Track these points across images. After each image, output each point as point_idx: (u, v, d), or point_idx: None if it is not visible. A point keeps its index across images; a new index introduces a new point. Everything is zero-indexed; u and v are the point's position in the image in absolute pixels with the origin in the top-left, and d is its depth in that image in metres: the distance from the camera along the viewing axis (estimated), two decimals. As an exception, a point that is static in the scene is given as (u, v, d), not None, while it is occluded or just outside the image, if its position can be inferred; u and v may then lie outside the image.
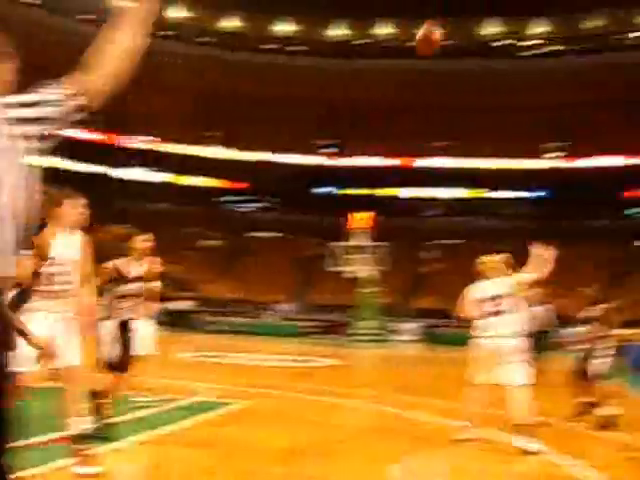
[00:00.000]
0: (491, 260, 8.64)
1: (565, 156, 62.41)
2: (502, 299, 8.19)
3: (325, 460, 7.25)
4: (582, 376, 10.40)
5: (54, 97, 2.73)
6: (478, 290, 8.47)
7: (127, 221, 46.56)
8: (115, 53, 2.78)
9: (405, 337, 42.46)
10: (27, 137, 2.66)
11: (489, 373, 8.14)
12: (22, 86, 2.84)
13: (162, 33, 58.15)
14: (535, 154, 61.58)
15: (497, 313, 8.19)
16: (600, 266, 53.49)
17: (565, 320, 13.79)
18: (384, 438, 8.74)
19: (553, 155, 63.03)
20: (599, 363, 10.14)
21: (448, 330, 42.46)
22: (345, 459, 7.46)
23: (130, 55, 2.79)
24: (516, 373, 8.10)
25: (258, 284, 50.48)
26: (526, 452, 7.64)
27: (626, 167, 58.96)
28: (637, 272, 51.14)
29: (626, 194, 60.71)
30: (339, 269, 42.53)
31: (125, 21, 2.80)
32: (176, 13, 61.88)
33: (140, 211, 62.63)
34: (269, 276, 53.95)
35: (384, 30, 64.64)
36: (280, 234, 62.17)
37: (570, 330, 11.68)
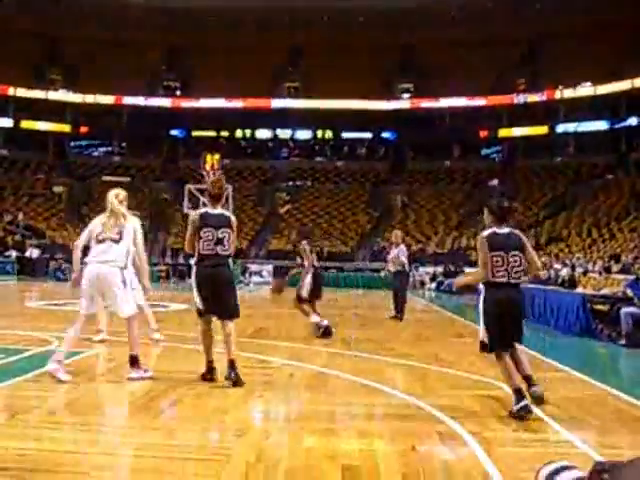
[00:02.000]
0: None
1: (413, 96, 63.40)
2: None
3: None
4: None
5: None
6: None
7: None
8: None
9: (259, 278, 42.63)
10: None
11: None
12: None
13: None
14: (384, 95, 62.19)
15: None
16: (455, 206, 55.13)
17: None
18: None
19: (402, 96, 63.95)
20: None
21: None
22: (195, 406, 7.37)
23: None
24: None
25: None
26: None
27: (479, 107, 60.41)
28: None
29: (482, 134, 62.22)
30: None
31: None
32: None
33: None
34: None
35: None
36: (128, 178, 61.07)
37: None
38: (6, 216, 53.06)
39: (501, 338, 7.41)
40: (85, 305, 8.50)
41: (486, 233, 7.48)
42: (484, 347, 7.55)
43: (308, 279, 13.85)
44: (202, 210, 8.80)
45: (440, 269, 41.23)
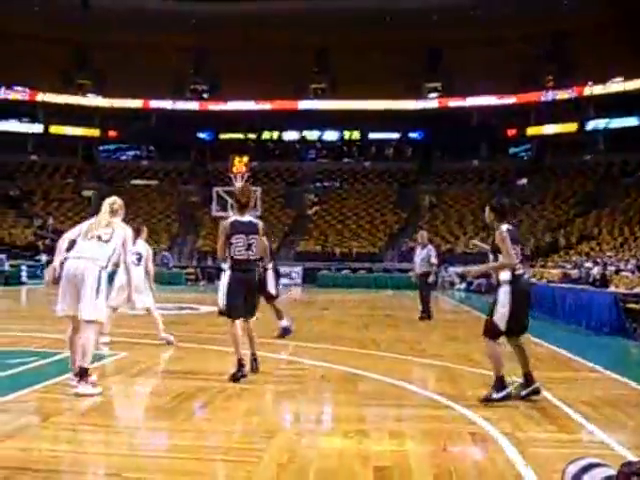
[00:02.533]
0: None
1: (440, 96, 63.18)
2: None
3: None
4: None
5: None
6: None
7: (0, 174, 45.41)
8: None
9: (288, 281, 42.66)
10: None
11: None
12: None
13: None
14: (411, 94, 62.01)
15: None
16: (484, 206, 54.78)
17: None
18: (259, 383, 8.74)
19: (430, 95, 63.74)
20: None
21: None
22: (226, 407, 7.37)
23: None
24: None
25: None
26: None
27: (507, 105, 60.04)
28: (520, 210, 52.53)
29: (510, 133, 61.84)
30: (224, 214, 41.91)
31: None
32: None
33: (12, 163, 61.11)
34: (151, 224, 53.37)
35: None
36: (157, 182, 61.47)
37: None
38: (36, 220, 53.53)
39: (517, 326, 7.89)
40: (59, 307, 8.06)
41: (505, 227, 7.86)
42: (498, 332, 7.82)
43: (272, 275, 13.79)
44: (232, 219, 9.30)
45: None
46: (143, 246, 12.56)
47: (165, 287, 31.31)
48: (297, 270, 44.58)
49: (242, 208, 9.27)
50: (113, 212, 8.41)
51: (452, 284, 40.69)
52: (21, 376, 8.57)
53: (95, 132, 65.23)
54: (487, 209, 8.19)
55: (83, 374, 7.71)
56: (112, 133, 65.69)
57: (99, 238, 8.12)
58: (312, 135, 66.32)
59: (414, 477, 5.02)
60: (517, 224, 8.69)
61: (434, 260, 18.10)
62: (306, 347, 12.14)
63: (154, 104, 63.49)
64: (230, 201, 38.96)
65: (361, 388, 8.39)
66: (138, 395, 7.66)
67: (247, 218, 9.26)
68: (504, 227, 7.84)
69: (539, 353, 11.78)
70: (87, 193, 59.44)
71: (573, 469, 3.02)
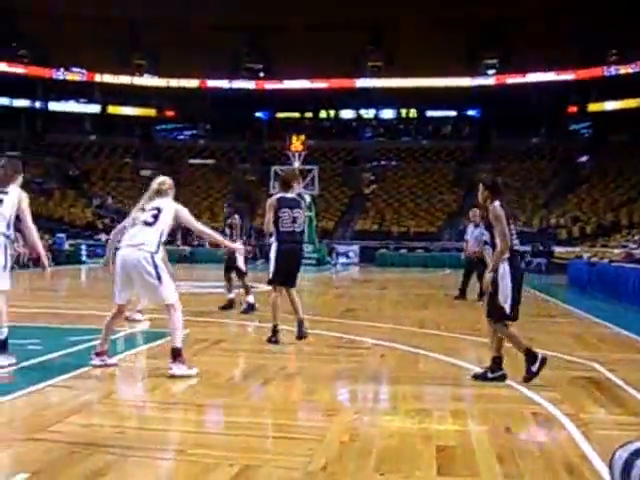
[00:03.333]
0: None
1: (498, 72, 62.44)
2: None
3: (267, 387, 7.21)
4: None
5: None
6: None
7: (59, 154, 46.19)
8: None
9: (345, 259, 42.66)
10: None
11: None
12: None
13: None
14: (468, 71, 61.41)
15: None
16: (543, 184, 54.19)
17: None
18: (320, 361, 8.77)
19: (487, 72, 63.06)
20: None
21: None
22: (286, 385, 7.40)
23: None
24: None
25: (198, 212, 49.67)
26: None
27: (567, 81, 59.07)
28: (581, 188, 51.89)
29: (570, 109, 60.93)
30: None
31: None
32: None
33: (71, 143, 61.97)
34: (208, 203, 53.79)
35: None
36: (214, 161, 61.79)
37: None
38: (95, 200, 54.21)
39: (517, 307, 7.59)
40: (119, 296, 8.03)
41: (498, 204, 7.64)
42: (505, 316, 7.52)
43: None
44: (278, 195, 10.09)
45: (528, 248, 40.49)
46: None
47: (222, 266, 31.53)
48: (354, 249, 44.55)
49: (286, 187, 10.12)
50: (161, 192, 8.18)
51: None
52: (83, 354, 8.67)
53: (152, 112, 65.89)
54: (480, 187, 8.04)
55: (177, 355, 7.63)
56: (169, 113, 66.28)
57: (145, 223, 7.91)
58: (369, 113, 66.19)
59: (477, 457, 4.97)
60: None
61: (487, 239, 17.83)
62: (365, 326, 12.13)
63: (211, 83, 63.82)
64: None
65: (421, 367, 8.36)
66: (199, 372, 7.69)
67: (291, 195, 10.09)
68: (497, 203, 7.66)
69: (602, 334, 11.65)
70: (145, 173, 59.95)
71: (624, 453, 2.94)
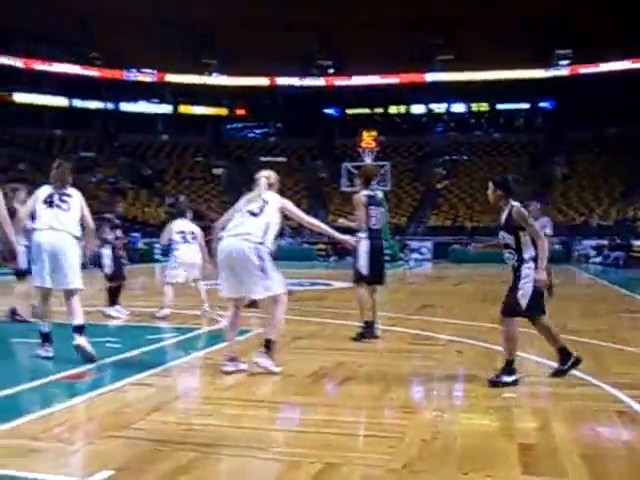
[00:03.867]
0: None
1: (572, 63, 61.45)
2: None
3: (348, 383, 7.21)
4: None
5: None
6: None
7: (132, 154, 46.86)
8: None
9: (418, 256, 42.47)
10: None
11: None
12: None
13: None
14: (541, 63, 60.55)
15: None
16: (620, 176, 53.19)
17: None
18: (398, 358, 8.75)
19: (560, 63, 62.12)
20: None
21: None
22: (365, 382, 7.39)
23: None
24: None
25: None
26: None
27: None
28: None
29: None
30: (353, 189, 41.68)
31: None
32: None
33: (144, 143, 62.90)
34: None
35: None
36: (285, 158, 62.03)
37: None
38: (168, 199, 54.84)
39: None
40: (223, 287, 7.83)
41: (518, 203, 7.53)
42: (518, 313, 7.54)
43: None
44: (365, 192, 10.07)
45: (605, 242, 39.85)
46: (192, 225, 13.11)
47: (297, 263, 31.70)
48: (427, 245, 44.32)
49: (367, 183, 10.22)
50: (270, 186, 8.12)
51: (587, 257, 39.70)
52: (161, 352, 8.79)
53: (223, 111, 66.51)
54: (490, 186, 7.67)
55: (269, 346, 7.63)
56: (239, 111, 66.81)
57: (251, 213, 7.79)
58: (439, 108, 65.81)
59: (561, 456, 4.90)
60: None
61: (549, 231, 17.43)
62: (441, 322, 12.06)
63: (280, 81, 64.13)
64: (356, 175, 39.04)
65: (499, 364, 8.27)
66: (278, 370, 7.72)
67: (372, 192, 10.28)
68: (517, 203, 7.50)
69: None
70: (217, 171, 60.56)
71: None
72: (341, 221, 11.14)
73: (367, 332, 9.89)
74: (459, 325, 11.78)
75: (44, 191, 8.50)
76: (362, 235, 9.86)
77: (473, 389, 7.01)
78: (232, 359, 7.74)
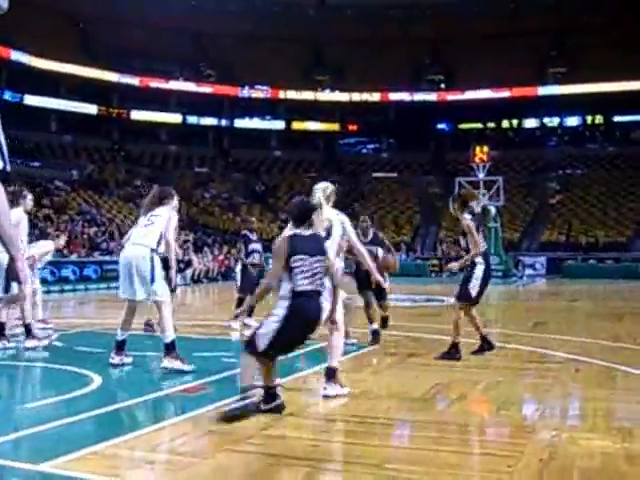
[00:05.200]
0: None
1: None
2: None
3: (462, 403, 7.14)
4: None
5: None
6: None
7: (245, 170, 47.61)
8: None
9: (532, 271, 41.78)
10: None
11: None
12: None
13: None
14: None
15: None
16: None
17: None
18: (514, 376, 8.61)
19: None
20: None
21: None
22: (480, 400, 7.32)
23: None
24: None
25: (382, 225, 49.92)
26: None
27: None
28: None
29: None
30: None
31: None
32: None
33: (257, 159, 63.81)
34: (393, 216, 54.12)
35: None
36: (397, 174, 61.99)
37: None
38: (281, 214, 55.43)
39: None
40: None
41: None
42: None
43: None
44: (468, 216, 9.81)
45: None
46: None
47: (410, 279, 31.60)
48: (541, 260, 43.53)
49: (465, 206, 9.95)
50: (327, 198, 7.97)
51: None
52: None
53: (335, 126, 66.83)
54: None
55: (331, 375, 7.36)
56: (352, 127, 67.00)
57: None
58: (552, 121, 64.69)
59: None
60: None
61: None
62: (557, 340, 11.82)
63: (392, 96, 64.12)
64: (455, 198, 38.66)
65: (620, 383, 8.07)
66: (391, 387, 7.71)
67: (476, 213, 10.18)
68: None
69: None
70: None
71: None
72: (452, 265, 10.91)
73: (455, 354, 9.65)
74: (576, 342, 11.49)
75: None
76: (478, 260, 9.75)
77: (592, 409, 6.84)
78: (330, 378, 7.46)
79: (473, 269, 9.72)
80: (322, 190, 7.99)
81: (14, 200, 10.42)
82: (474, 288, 9.70)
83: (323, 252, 6.44)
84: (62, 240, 16.26)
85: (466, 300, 9.78)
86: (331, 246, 7.46)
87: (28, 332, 10.71)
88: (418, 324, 13.99)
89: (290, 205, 6.73)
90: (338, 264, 7.84)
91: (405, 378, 8.26)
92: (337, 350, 7.50)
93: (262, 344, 6.27)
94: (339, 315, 7.40)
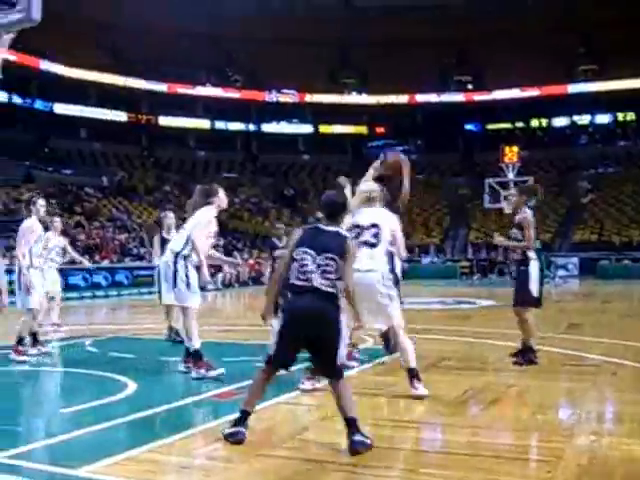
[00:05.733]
0: None
1: None
2: None
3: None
4: None
5: None
6: None
7: (274, 174, 47.60)
8: None
9: (564, 272, 41.49)
10: None
11: None
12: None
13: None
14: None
15: None
16: None
17: None
18: (548, 379, 8.52)
19: None
20: None
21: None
22: (515, 404, 7.25)
23: None
24: None
25: (412, 229, 49.79)
26: None
27: None
28: None
29: None
30: (497, 206, 41.00)
31: None
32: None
33: (285, 163, 63.91)
34: (422, 218, 53.96)
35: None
36: (425, 175, 61.78)
37: None
38: (310, 219, 55.44)
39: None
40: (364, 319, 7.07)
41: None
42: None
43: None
44: (529, 210, 9.63)
45: None
46: None
47: (440, 281, 31.51)
48: (573, 261, 43.21)
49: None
50: (370, 200, 8.05)
51: None
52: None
53: (363, 129, 66.79)
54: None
55: (414, 375, 7.43)
56: (379, 129, 66.93)
57: (366, 243, 7.56)
58: (582, 119, 64.23)
59: None
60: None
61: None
62: (592, 342, 11.69)
63: (420, 98, 63.91)
64: (503, 193, 38.59)
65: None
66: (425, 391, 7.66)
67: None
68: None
69: None
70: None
71: None
72: (500, 239, 10.46)
73: (532, 356, 9.37)
74: (611, 344, 11.33)
75: None
76: (532, 256, 9.39)
77: (631, 413, 6.73)
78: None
79: (528, 267, 9.34)
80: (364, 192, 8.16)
81: (27, 211, 10.54)
82: (535, 288, 9.30)
83: (333, 250, 5.94)
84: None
85: (531, 304, 9.41)
86: (378, 256, 7.62)
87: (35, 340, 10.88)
88: (449, 327, 13.93)
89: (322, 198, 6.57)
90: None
91: (439, 382, 8.19)
92: (406, 353, 7.58)
93: (271, 348, 6.07)
94: (397, 320, 7.62)
